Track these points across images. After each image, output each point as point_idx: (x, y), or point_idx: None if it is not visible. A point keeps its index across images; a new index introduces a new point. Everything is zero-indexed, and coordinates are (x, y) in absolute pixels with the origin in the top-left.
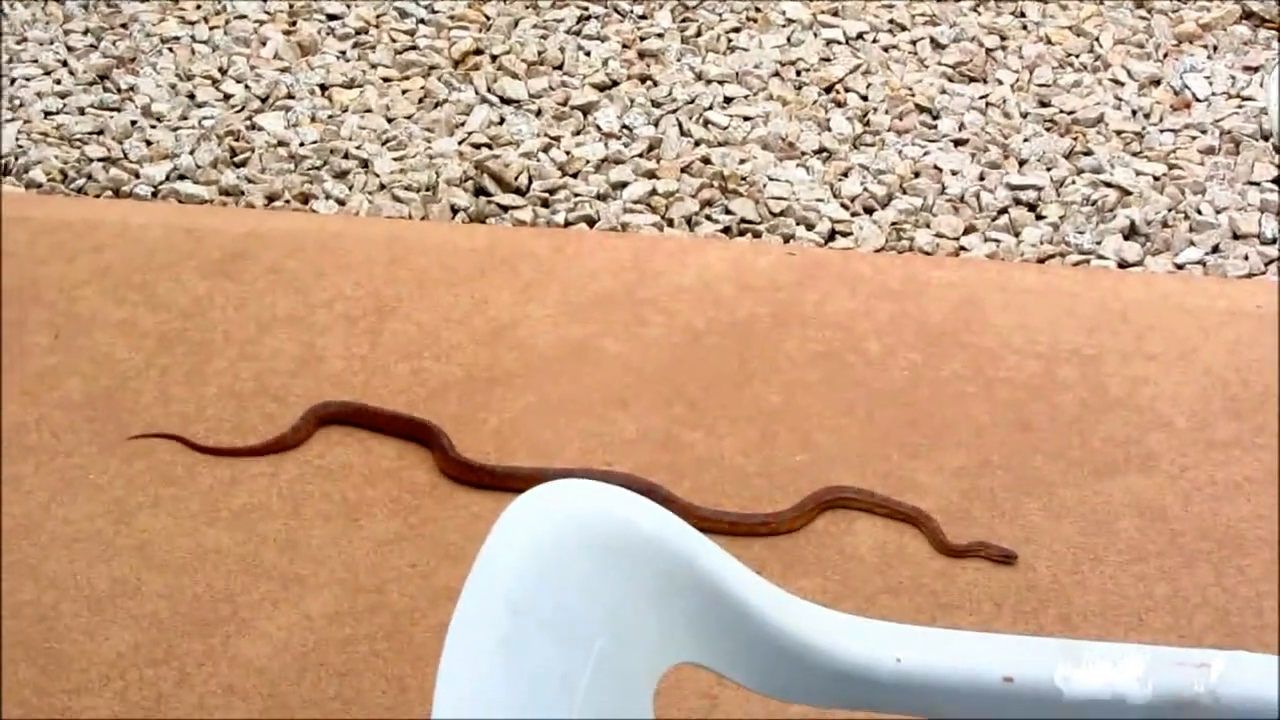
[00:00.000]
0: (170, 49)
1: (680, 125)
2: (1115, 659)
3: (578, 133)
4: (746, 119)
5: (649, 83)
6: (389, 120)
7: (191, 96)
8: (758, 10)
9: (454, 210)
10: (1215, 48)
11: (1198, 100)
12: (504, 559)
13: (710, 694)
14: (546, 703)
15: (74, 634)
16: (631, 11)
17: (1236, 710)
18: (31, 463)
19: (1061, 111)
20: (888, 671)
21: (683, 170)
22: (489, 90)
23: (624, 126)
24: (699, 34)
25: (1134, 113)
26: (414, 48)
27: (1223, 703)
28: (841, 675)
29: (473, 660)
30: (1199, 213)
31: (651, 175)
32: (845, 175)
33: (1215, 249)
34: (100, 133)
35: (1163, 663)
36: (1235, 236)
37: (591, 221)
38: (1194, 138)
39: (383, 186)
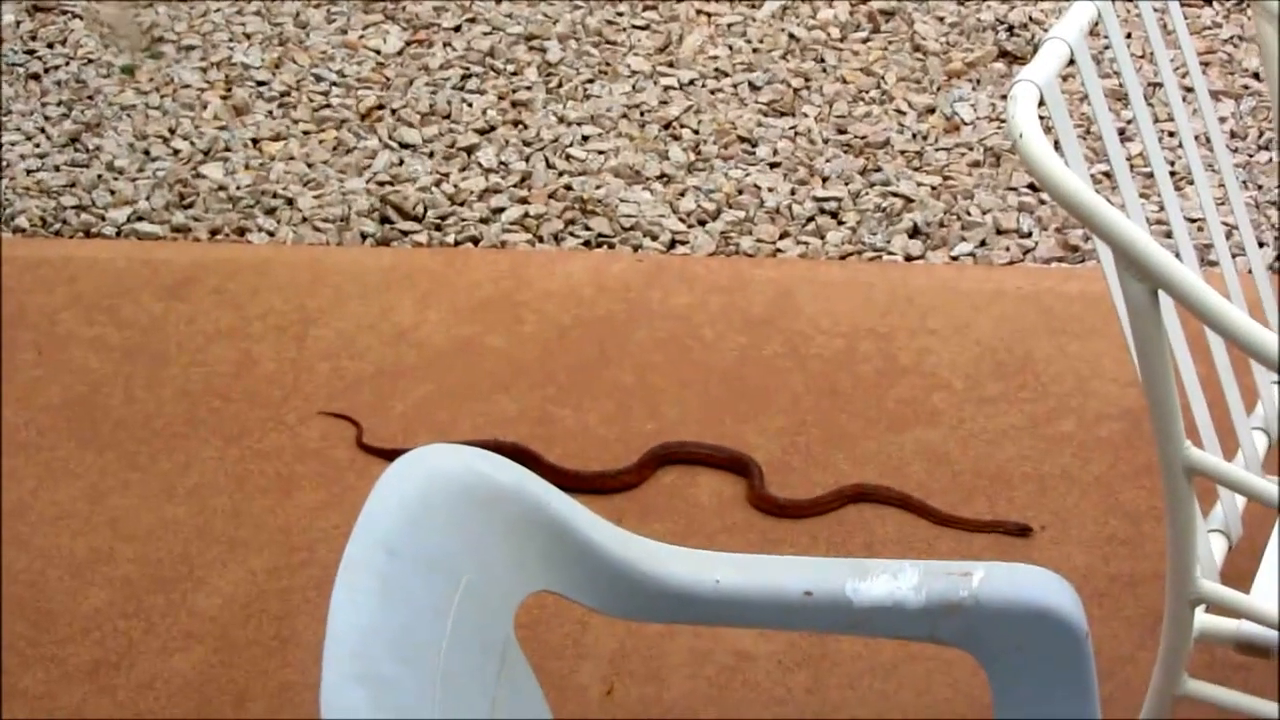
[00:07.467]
0: (128, 115)
1: (547, 160)
2: (895, 572)
3: (464, 169)
4: (601, 153)
5: (521, 126)
6: (309, 165)
7: (147, 153)
8: (608, 65)
9: (363, 236)
10: (978, 81)
11: (965, 124)
12: (383, 510)
13: (583, 620)
14: (422, 627)
15: (59, 595)
16: (505, 69)
17: (993, 610)
18: (22, 456)
19: (856, 137)
20: (709, 591)
21: (550, 196)
22: (390, 138)
23: (501, 163)
24: (560, 85)
25: (914, 135)
26: (328, 105)
27: (982, 604)
28: (672, 596)
29: (357, 595)
30: (968, 214)
31: (524, 201)
32: (682, 195)
33: (982, 243)
34: (73, 185)
35: (933, 574)
36: (999, 232)
37: (476, 241)
38: (963, 154)
39: (305, 219)
